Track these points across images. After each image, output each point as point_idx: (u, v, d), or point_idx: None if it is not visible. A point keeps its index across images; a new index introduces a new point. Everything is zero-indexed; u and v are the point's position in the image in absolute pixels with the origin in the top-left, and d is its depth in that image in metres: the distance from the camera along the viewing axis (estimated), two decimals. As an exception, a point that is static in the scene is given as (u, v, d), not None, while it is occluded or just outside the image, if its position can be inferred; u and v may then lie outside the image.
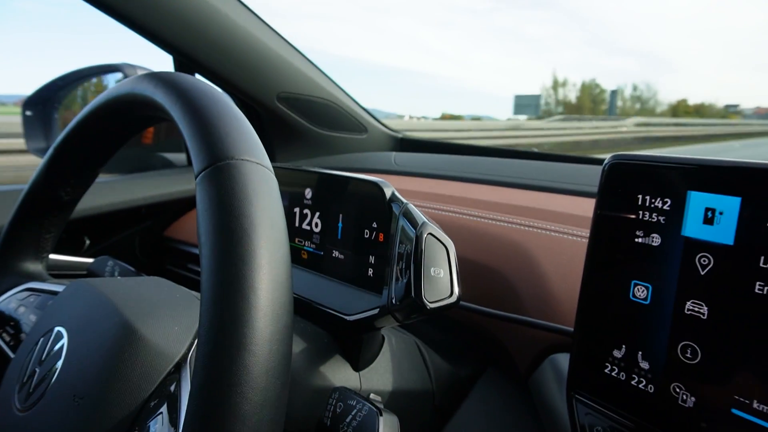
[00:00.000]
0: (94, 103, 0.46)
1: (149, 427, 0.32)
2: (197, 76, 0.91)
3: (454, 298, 0.39)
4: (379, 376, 0.50)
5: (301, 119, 0.98)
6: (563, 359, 0.48)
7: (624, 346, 0.39)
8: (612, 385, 0.40)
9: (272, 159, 1.03)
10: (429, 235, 0.39)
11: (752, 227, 0.32)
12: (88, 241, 0.88)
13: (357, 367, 0.49)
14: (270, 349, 0.26)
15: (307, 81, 0.95)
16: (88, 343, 0.37)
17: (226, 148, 0.31)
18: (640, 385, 0.38)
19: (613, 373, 0.40)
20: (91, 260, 0.67)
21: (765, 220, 0.32)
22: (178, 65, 0.89)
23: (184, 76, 0.37)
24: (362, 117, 1.07)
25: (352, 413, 0.39)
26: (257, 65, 0.88)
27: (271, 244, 0.28)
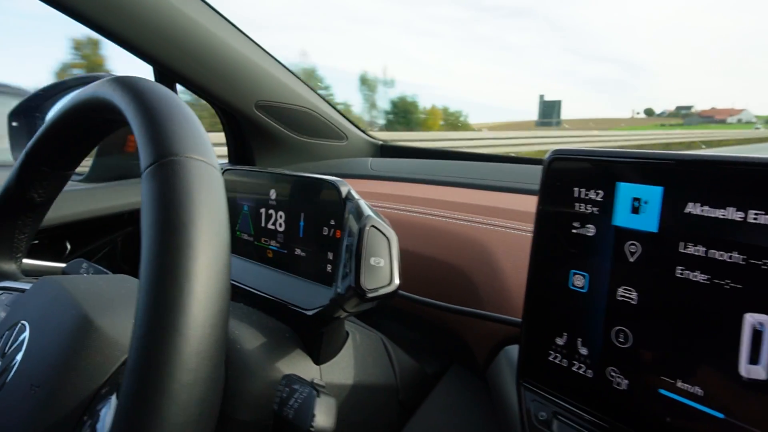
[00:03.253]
0: (61, 107, 0.48)
1: (98, 412, 0.34)
2: (178, 85, 0.94)
3: (393, 287, 0.41)
4: (341, 370, 0.52)
5: (280, 127, 1.00)
6: (515, 350, 0.49)
7: (565, 334, 0.41)
8: (555, 372, 0.41)
9: (253, 165, 1.04)
10: (372, 228, 0.41)
11: (673, 215, 0.34)
12: (69, 247, 0.90)
13: (318, 360, 0.50)
14: (202, 332, 0.27)
15: (285, 89, 0.97)
16: (47, 334, 0.39)
17: (170, 145, 0.33)
18: (580, 371, 0.40)
19: (556, 360, 0.41)
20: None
21: (684, 207, 0.34)
22: (158, 75, 0.92)
23: (141, 80, 0.39)
24: (342, 125, 1.09)
25: (295, 396, 0.40)
26: (235, 74, 0.90)
27: (208, 235, 0.30)
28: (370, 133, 1.16)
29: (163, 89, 0.38)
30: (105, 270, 0.67)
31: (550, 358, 0.42)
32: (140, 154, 0.34)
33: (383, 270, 0.41)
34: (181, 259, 0.28)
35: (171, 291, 0.27)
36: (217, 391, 0.28)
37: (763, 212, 0.30)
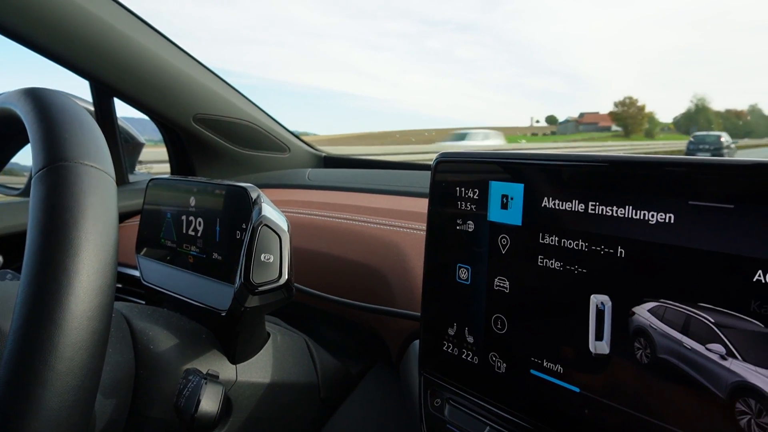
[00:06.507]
0: None
1: None
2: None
3: (281, 282, 0.43)
4: (259, 369, 0.54)
5: (220, 140, 1.02)
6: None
7: (455, 324, 0.44)
8: (448, 361, 0.44)
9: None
10: (264, 226, 0.43)
11: (533, 209, 0.38)
12: (2, 260, 0.89)
13: (234, 360, 0.52)
14: (79, 324, 0.29)
15: (223, 102, 1.00)
16: None
17: (61, 151, 0.34)
18: (468, 358, 0.43)
19: (449, 350, 0.44)
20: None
21: (541, 202, 0.37)
22: (94, 90, 0.93)
23: (44, 91, 0.41)
24: (284, 137, 1.12)
25: (188, 386, 0.42)
26: (171, 88, 0.92)
27: (91, 235, 0.32)
28: (313, 144, 1.18)
29: (64, 99, 0.40)
30: None
31: (444, 348, 0.45)
32: (32, 160, 0.36)
33: (272, 266, 0.43)
34: (60, 256, 0.30)
35: (49, 285, 0.29)
36: (95, 380, 0.30)
37: (598, 203, 0.34)
